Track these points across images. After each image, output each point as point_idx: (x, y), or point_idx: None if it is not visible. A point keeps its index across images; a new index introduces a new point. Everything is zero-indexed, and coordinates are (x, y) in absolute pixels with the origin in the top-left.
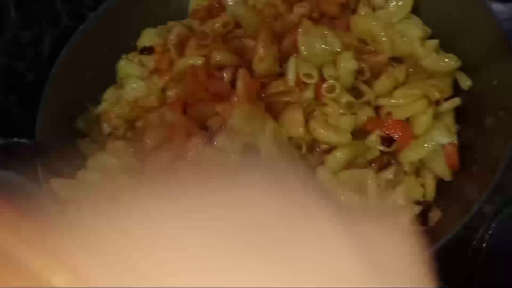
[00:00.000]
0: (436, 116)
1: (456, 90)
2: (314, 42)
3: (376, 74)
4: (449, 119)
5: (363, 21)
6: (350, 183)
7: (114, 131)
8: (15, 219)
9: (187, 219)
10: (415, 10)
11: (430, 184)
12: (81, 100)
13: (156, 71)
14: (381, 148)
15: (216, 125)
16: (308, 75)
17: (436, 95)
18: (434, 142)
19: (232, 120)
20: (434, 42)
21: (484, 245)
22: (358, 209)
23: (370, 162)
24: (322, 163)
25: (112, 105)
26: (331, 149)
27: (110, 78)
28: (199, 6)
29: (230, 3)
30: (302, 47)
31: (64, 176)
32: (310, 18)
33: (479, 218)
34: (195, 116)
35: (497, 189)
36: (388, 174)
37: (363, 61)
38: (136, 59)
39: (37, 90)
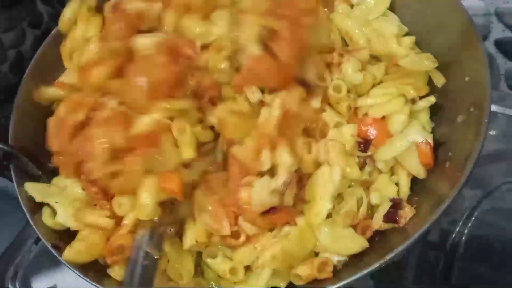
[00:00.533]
0: (411, 114)
1: (430, 87)
2: None
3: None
4: (424, 117)
5: (340, 20)
6: None
7: None
8: None
9: None
10: (390, 8)
11: (404, 182)
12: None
13: None
14: (358, 154)
15: None
16: None
17: (412, 93)
18: (408, 140)
19: None
20: (410, 40)
21: (463, 238)
22: None
23: None
24: None
25: None
26: None
27: None
28: None
29: None
30: None
31: (39, 180)
32: None
33: (459, 212)
34: None
35: (477, 183)
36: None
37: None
38: None
39: None
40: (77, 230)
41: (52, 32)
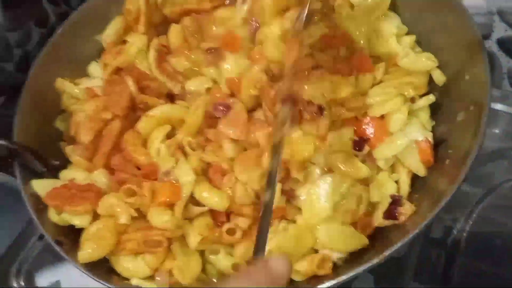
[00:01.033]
0: (411, 113)
1: (431, 85)
2: None
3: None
4: (424, 116)
5: (340, 20)
6: None
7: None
8: None
9: None
10: (391, 6)
11: (405, 180)
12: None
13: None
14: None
15: None
16: None
17: (412, 92)
18: (408, 138)
19: None
20: (410, 39)
21: (464, 235)
22: None
23: None
24: None
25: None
26: None
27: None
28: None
29: None
30: None
31: (43, 177)
32: None
33: (461, 209)
34: None
35: (479, 180)
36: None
37: None
38: None
39: None
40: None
41: (58, 31)
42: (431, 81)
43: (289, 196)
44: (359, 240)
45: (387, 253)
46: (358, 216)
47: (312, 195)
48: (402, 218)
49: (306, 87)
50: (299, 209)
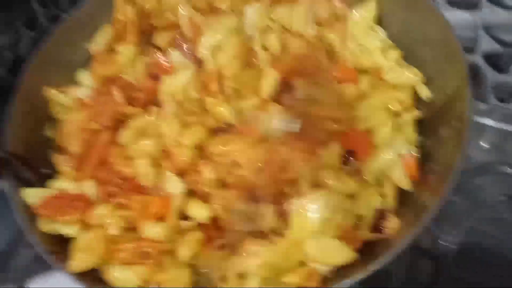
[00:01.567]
0: (397, 127)
1: (417, 100)
2: None
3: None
4: (410, 131)
5: (323, 34)
6: None
7: None
8: None
9: None
10: (377, 20)
11: (391, 193)
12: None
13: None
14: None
15: None
16: None
17: (396, 106)
18: (394, 152)
19: None
20: (396, 53)
21: (454, 246)
22: None
23: None
24: None
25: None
26: None
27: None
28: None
29: None
30: None
31: (33, 185)
32: None
33: (451, 221)
34: None
35: (468, 194)
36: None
37: None
38: None
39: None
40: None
41: (48, 37)
42: (418, 95)
43: (280, 213)
44: (347, 254)
45: (374, 267)
46: (346, 230)
47: (301, 210)
48: (388, 232)
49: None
50: (286, 223)
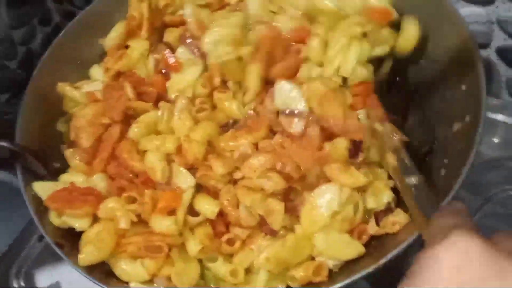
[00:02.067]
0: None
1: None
2: None
3: None
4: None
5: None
6: None
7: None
8: None
9: None
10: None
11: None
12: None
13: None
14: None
15: None
16: None
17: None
18: None
19: None
20: None
21: None
22: None
23: None
24: None
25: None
26: None
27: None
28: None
29: None
30: None
31: (44, 179)
32: None
33: None
34: None
35: (478, 189)
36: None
37: None
38: None
39: None
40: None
41: (62, 33)
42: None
43: (291, 210)
44: (356, 249)
45: (382, 261)
46: (355, 224)
47: (311, 204)
48: (397, 227)
49: None
50: (296, 218)
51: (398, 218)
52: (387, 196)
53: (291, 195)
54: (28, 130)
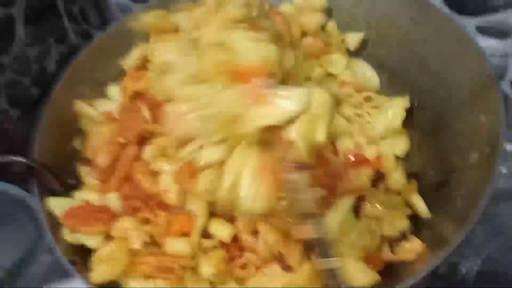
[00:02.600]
0: None
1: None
2: None
3: None
4: None
5: None
6: None
7: None
8: None
9: None
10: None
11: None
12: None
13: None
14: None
15: None
16: None
17: None
18: None
19: None
20: None
21: (472, 273)
22: None
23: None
24: None
25: None
26: None
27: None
28: None
29: None
30: None
31: (60, 195)
32: None
33: (471, 247)
34: None
35: (487, 220)
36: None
37: None
38: None
39: (40, 105)
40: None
41: (82, 52)
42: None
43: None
44: (371, 277)
45: None
46: (370, 251)
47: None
48: (412, 255)
49: None
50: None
51: (413, 245)
52: (403, 224)
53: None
54: (44, 146)
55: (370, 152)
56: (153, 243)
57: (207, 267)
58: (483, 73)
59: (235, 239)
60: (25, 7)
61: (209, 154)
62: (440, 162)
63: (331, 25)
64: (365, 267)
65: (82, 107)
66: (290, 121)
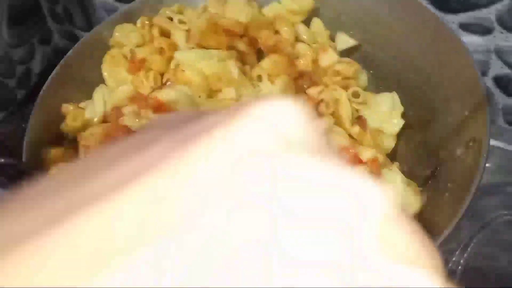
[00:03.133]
0: None
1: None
2: None
3: None
4: None
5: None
6: None
7: None
8: None
9: None
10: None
11: None
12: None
13: None
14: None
15: None
16: None
17: None
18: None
19: None
20: None
21: (459, 267)
22: None
23: None
24: None
25: None
26: None
27: None
28: None
29: None
30: None
31: None
32: None
33: (456, 242)
34: None
35: (473, 214)
36: None
37: None
38: None
39: (26, 107)
40: None
41: (70, 52)
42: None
43: None
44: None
45: None
46: None
47: None
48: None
49: None
50: None
51: None
52: None
53: None
54: (35, 148)
55: (365, 155)
56: None
57: None
58: (466, 69)
59: None
60: (8, 8)
61: None
62: (427, 157)
63: (317, 22)
64: None
65: (69, 109)
66: None
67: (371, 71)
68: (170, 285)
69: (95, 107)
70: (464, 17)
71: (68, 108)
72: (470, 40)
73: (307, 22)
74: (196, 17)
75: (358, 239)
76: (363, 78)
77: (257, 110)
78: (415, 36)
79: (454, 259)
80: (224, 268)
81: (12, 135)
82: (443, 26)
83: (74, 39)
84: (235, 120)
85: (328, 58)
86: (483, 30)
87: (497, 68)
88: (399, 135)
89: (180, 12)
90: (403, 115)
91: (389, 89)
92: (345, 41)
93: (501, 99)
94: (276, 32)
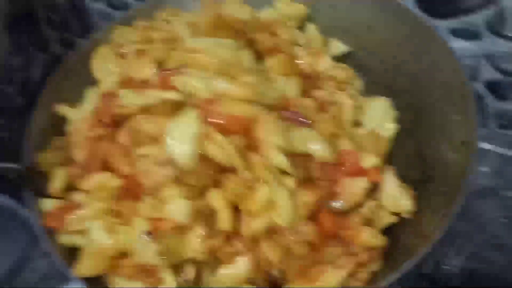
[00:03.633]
0: None
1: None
2: None
3: None
4: None
5: None
6: None
7: None
8: None
9: None
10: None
11: None
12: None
13: None
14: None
15: None
16: None
17: None
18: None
19: None
20: None
21: (456, 271)
22: None
23: None
24: None
25: None
26: None
27: None
28: None
29: None
30: None
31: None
32: None
33: (452, 245)
34: None
35: (469, 218)
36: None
37: None
38: None
39: (26, 114)
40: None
41: (68, 57)
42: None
43: None
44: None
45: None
46: None
47: None
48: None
49: None
50: None
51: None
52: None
53: None
54: (35, 151)
55: (368, 163)
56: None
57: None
58: (455, 74)
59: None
60: (7, 16)
61: None
62: (418, 161)
63: (312, 28)
64: None
65: (64, 110)
66: None
67: (363, 77)
68: None
69: (87, 104)
70: (453, 22)
71: (61, 107)
72: (460, 45)
73: (301, 29)
74: (196, 17)
75: None
76: (358, 83)
77: None
78: (406, 42)
79: (452, 262)
80: None
81: (12, 140)
82: (433, 32)
83: (71, 46)
84: None
85: (324, 63)
86: (472, 35)
87: (488, 73)
88: (393, 140)
89: (176, 16)
90: (395, 120)
91: (381, 94)
92: (337, 47)
93: (492, 103)
94: (273, 34)
